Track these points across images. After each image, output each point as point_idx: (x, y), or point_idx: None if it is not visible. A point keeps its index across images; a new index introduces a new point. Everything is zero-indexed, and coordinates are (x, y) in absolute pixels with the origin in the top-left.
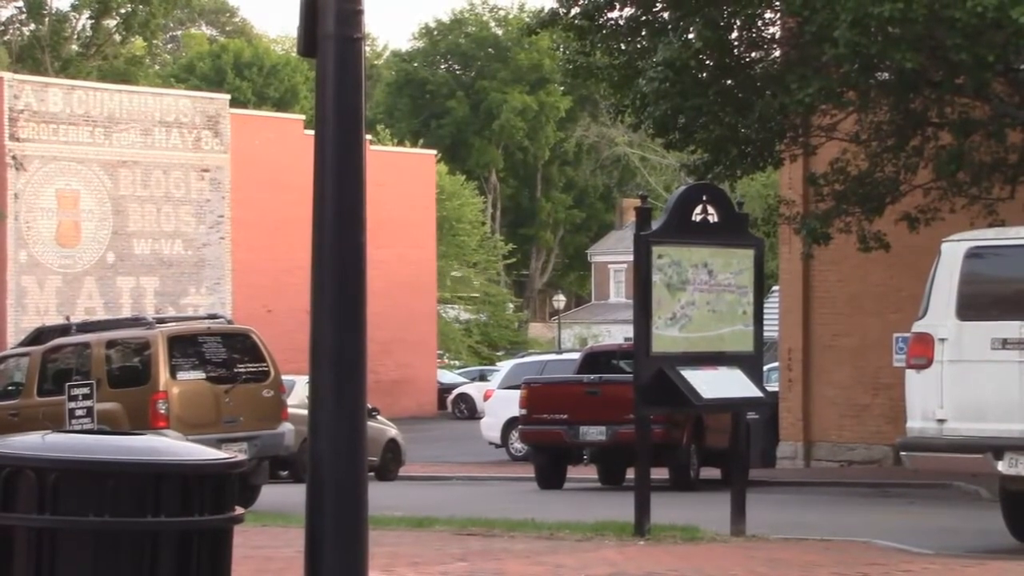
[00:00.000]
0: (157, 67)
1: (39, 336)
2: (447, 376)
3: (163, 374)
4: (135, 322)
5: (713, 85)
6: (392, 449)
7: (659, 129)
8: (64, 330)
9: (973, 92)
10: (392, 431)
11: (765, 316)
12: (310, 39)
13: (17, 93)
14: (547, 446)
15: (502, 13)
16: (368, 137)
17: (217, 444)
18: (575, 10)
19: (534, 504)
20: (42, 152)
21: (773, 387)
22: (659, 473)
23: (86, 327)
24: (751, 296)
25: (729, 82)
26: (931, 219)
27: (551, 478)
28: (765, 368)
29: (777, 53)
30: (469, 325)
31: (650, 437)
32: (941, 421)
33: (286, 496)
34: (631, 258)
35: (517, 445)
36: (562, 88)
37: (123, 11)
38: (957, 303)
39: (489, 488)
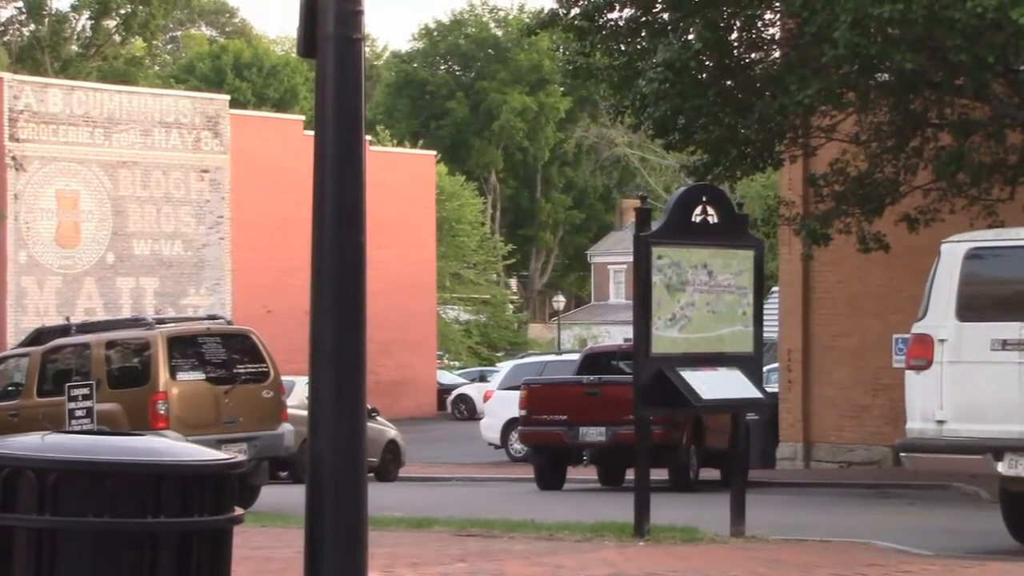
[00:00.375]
0: (157, 68)
1: (39, 337)
2: (447, 377)
3: (163, 375)
4: (135, 323)
5: (713, 86)
6: (392, 450)
7: (659, 130)
8: (64, 331)
9: (973, 93)
10: (392, 432)
11: (765, 317)
12: (310, 40)
13: (17, 93)
14: (547, 447)
15: (502, 14)
16: (368, 138)
17: (217, 445)
18: (575, 11)
19: (534, 505)
20: (42, 153)
21: (773, 388)
22: (659, 474)
23: (86, 328)
24: (751, 297)
25: (729, 83)
26: (931, 220)
27: (551, 479)
28: (765, 369)
29: (777, 54)
30: (469, 326)
31: (650, 438)
32: (941, 422)
33: (286, 497)
34: (631, 259)
35: (517, 446)
36: (562, 89)
37: (123, 12)
38: (957, 304)
39: (489, 489)
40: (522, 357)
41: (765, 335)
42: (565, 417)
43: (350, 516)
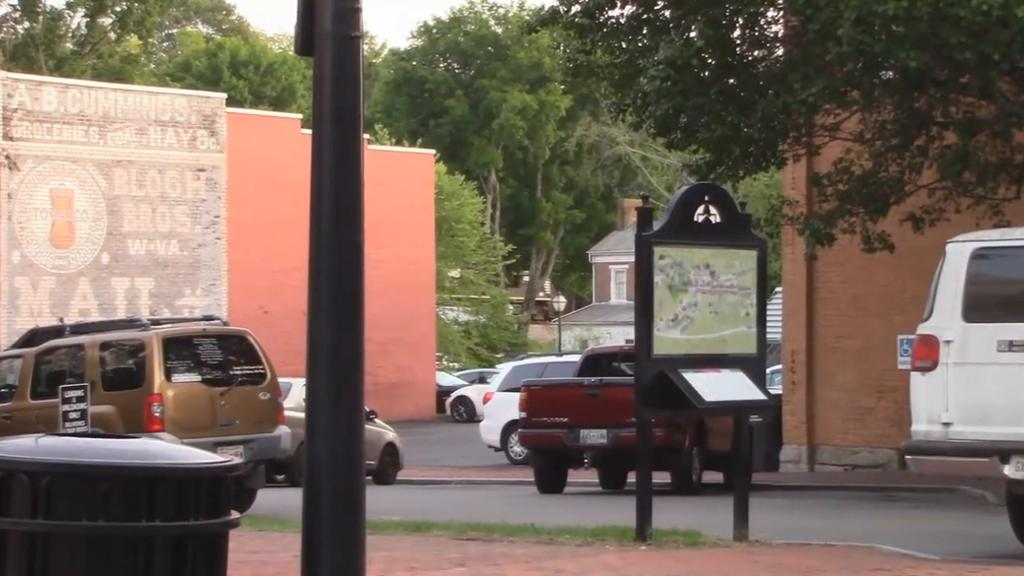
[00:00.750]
0: (153, 65)
1: (33, 338)
2: (446, 378)
3: (158, 376)
4: (130, 324)
5: (715, 84)
6: (390, 452)
7: (661, 128)
8: (58, 332)
9: (978, 91)
10: (390, 434)
11: (768, 318)
12: (308, 37)
13: (11, 92)
14: (547, 449)
15: (502, 11)
16: (366, 136)
17: (212, 447)
18: (575, 8)
19: (534, 508)
20: (36, 151)
21: (776, 390)
22: (661, 477)
23: (80, 329)
24: (754, 297)
25: (731, 81)
26: (936, 219)
27: (551, 482)
28: (768, 370)
29: (780, 52)
30: (468, 327)
31: (652, 440)
32: (947, 424)
33: (283, 500)
34: (632, 259)
35: (517, 448)
36: (562, 87)
37: (118, 9)
38: (963, 305)
39: (488, 492)
40: (522, 358)
41: (768, 336)
42: (566, 419)
43: (348, 520)
